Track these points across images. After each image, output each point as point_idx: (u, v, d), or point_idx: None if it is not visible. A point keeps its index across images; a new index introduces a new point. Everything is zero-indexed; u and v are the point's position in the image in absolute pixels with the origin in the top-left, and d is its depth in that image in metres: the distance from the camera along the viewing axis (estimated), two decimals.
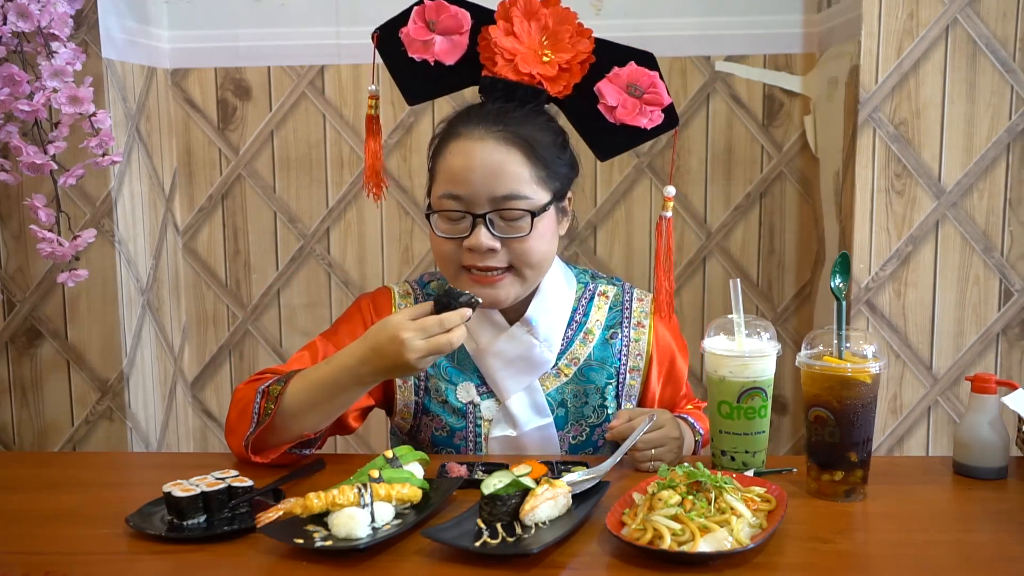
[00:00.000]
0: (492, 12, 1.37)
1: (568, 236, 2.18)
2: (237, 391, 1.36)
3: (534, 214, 1.32)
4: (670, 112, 1.37)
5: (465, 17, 1.37)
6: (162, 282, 2.13)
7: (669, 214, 1.39)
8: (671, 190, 1.39)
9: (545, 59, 1.35)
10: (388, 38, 1.40)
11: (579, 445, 1.45)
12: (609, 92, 1.35)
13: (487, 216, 1.31)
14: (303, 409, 1.27)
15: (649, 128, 1.36)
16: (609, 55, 1.36)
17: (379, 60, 1.43)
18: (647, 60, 1.36)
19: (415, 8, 1.37)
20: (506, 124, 1.33)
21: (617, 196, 2.18)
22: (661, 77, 1.36)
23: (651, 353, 1.48)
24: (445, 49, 1.37)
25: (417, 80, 1.41)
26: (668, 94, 1.36)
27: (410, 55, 1.38)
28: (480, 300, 1.24)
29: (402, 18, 1.38)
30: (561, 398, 1.44)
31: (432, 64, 1.38)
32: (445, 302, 1.22)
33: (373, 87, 1.43)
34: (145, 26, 2.05)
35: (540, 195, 1.34)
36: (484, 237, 1.31)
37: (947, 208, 1.90)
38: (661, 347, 1.49)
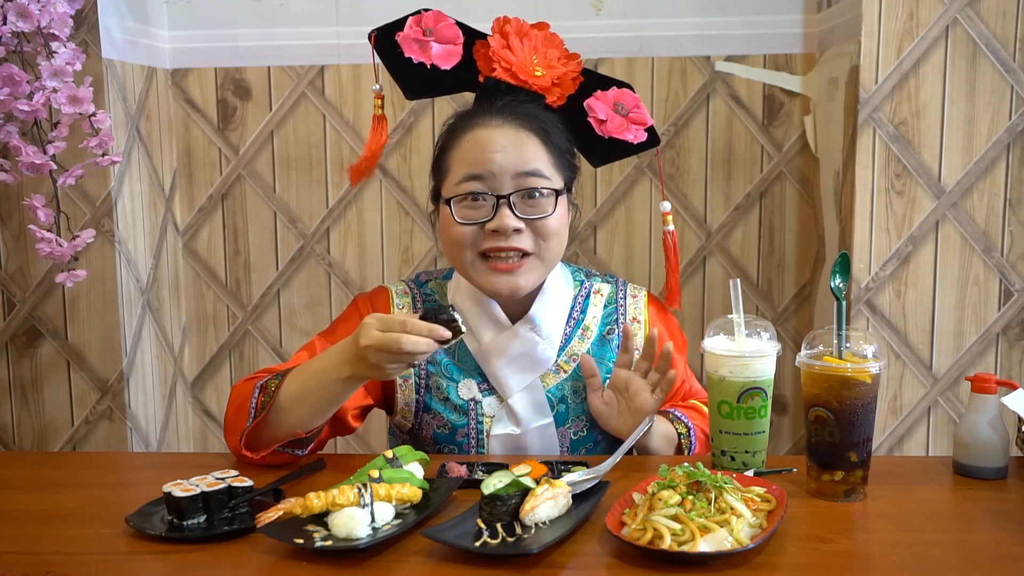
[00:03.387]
0: (484, 33, 1.43)
1: (569, 235, 2.18)
2: (234, 388, 1.36)
3: (558, 192, 1.36)
4: (652, 132, 1.46)
5: (460, 32, 1.43)
6: (162, 282, 2.13)
7: (671, 227, 1.49)
8: (667, 205, 1.49)
9: (538, 73, 1.42)
10: (385, 40, 1.42)
11: (580, 441, 1.45)
12: (598, 107, 1.44)
13: (510, 197, 1.33)
14: (295, 400, 1.27)
15: (635, 143, 1.45)
16: (593, 81, 1.45)
17: (379, 61, 1.45)
18: (625, 87, 1.46)
19: (412, 17, 1.41)
20: (519, 114, 1.38)
21: (617, 196, 2.18)
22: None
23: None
24: (441, 55, 1.42)
25: (415, 79, 1.45)
26: (651, 117, 1.46)
27: (407, 55, 1.40)
28: (464, 330, 1.20)
29: (399, 24, 1.42)
30: (561, 394, 1.44)
31: (429, 67, 1.42)
32: (427, 315, 1.19)
33: (377, 86, 1.45)
34: (145, 26, 2.05)
35: (556, 179, 1.38)
36: (508, 218, 1.33)
37: (947, 208, 1.90)
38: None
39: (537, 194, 1.34)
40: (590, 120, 1.43)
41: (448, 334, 1.19)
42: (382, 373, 1.21)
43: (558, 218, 1.36)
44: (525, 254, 1.35)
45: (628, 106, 1.43)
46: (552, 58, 1.42)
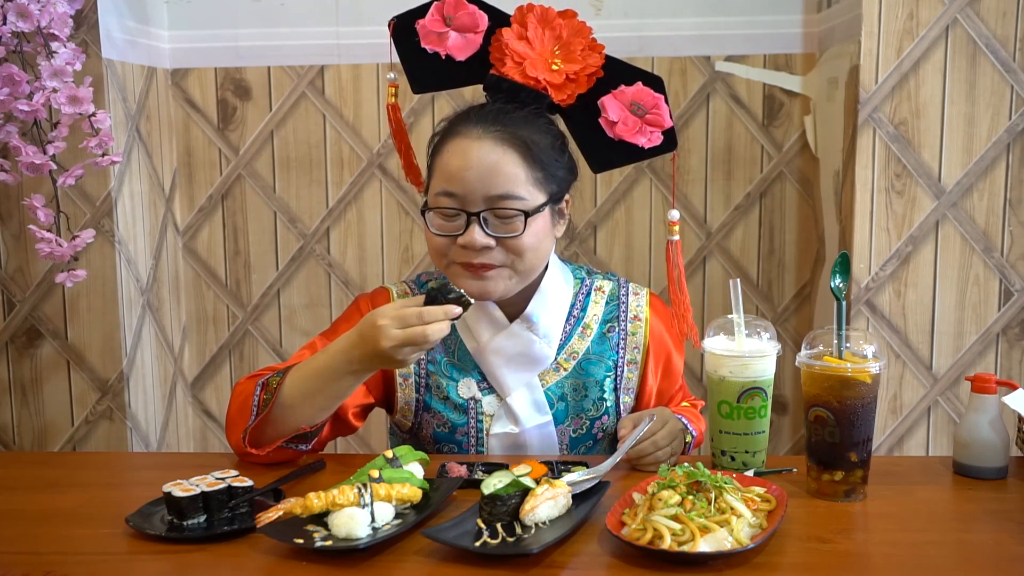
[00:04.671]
0: (509, 16, 1.39)
1: (568, 236, 2.18)
2: (237, 386, 1.36)
3: (527, 214, 1.33)
4: (670, 135, 1.38)
5: (482, 18, 1.39)
6: (162, 282, 2.13)
7: (676, 237, 1.40)
8: (675, 214, 1.40)
9: (554, 67, 1.37)
10: (404, 27, 1.41)
11: (579, 438, 1.46)
12: (612, 107, 1.36)
13: (481, 215, 1.32)
14: (300, 398, 1.28)
15: (647, 148, 1.37)
16: (618, 73, 1.38)
17: (393, 51, 1.44)
18: (655, 83, 1.37)
19: (435, 3, 1.39)
20: (505, 125, 1.34)
21: (617, 196, 2.18)
22: (667, 101, 1.37)
23: (647, 346, 1.48)
24: (458, 45, 1.39)
25: (426, 70, 1.42)
26: (671, 118, 1.37)
27: (423, 46, 1.39)
28: (472, 301, 1.23)
29: (420, 11, 1.40)
30: (561, 392, 1.44)
31: (443, 58, 1.40)
32: (435, 297, 1.21)
33: (392, 75, 1.45)
34: (145, 26, 2.05)
35: (535, 196, 1.34)
36: (478, 235, 1.32)
37: (947, 208, 1.90)
38: (657, 341, 1.50)
39: (509, 212, 1.33)
40: (600, 121, 1.37)
41: (459, 310, 1.21)
42: (403, 364, 1.24)
43: (532, 235, 1.34)
44: (490, 267, 1.35)
45: (647, 106, 1.35)
46: (576, 48, 1.37)
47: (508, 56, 1.37)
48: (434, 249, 1.38)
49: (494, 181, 1.32)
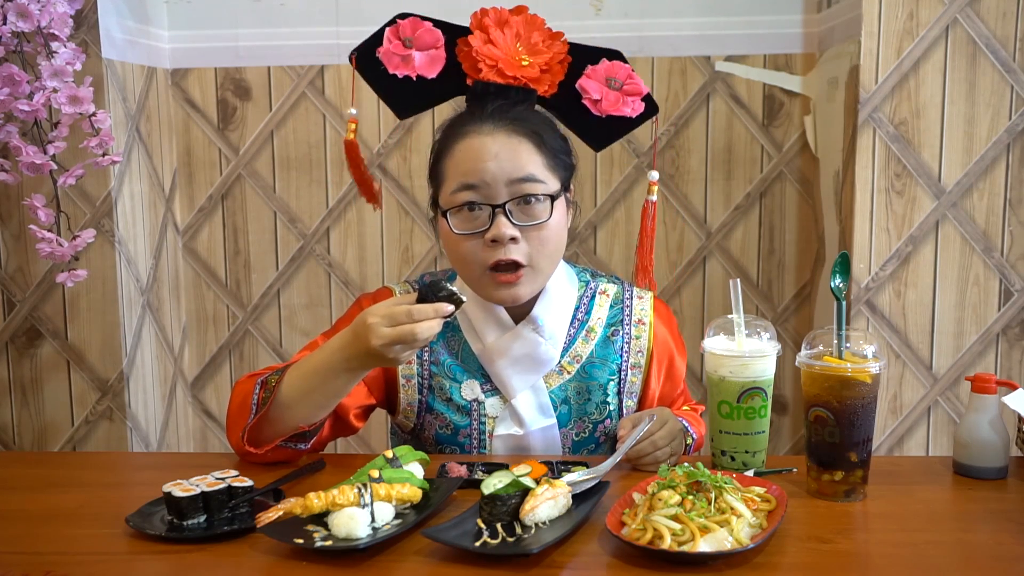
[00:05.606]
0: (464, 28, 1.40)
1: (569, 235, 2.18)
2: (237, 385, 1.36)
3: (553, 197, 1.34)
4: (649, 100, 1.43)
5: (439, 34, 1.40)
6: (162, 282, 2.13)
7: (654, 198, 1.50)
8: (655, 175, 1.48)
9: (524, 63, 1.39)
10: (365, 58, 1.39)
11: (582, 442, 1.46)
12: (591, 87, 1.40)
13: (506, 205, 1.32)
14: (298, 397, 1.28)
15: (634, 116, 1.42)
16: (581, 56, 1.42)
17: (360, 82, 1.43)
18: (618, 56, 1.42)
19: (388, 28, 1.39)
20: (511, 119, 1.36)
21: (617, 196, 2.18)
22: (633, 69, 1.43)
23: (651, 350, 1.48)
24: (424, 63, 1.39)
25: (403, 96, 1.43)
26: (644, 85, 1.42)
27: (391, 72, 1.39)
28: (464, 299, 1.21)
29: (376, 39, 1.39)
30: (564, 395, 1.44)
31: (415, 79, 1.40)
32: (426, 295, 1.20)
33: (353, 111, 1.44)
34: (145, 26, 2.05)
35: (552, 182, 1.36)
36: (505, 226, 1.32)
37: (947, 208, 1.90)
38: (660, 345, 1.49)
39: (533, 200, 1.33)
40: (585, 103, 1.40)
41: (451, 308, 1.20)
42: (395, 362, 1.23)
43: (555, 224, 1.35)
44: (519, 265, 1.34)
45: (620, 78, 1.40)
46: (537, 41, 1.39)
47: (481, 62, 1.38)
48: (460, 257, 1.36)
49: (515, 165, 1.33)
